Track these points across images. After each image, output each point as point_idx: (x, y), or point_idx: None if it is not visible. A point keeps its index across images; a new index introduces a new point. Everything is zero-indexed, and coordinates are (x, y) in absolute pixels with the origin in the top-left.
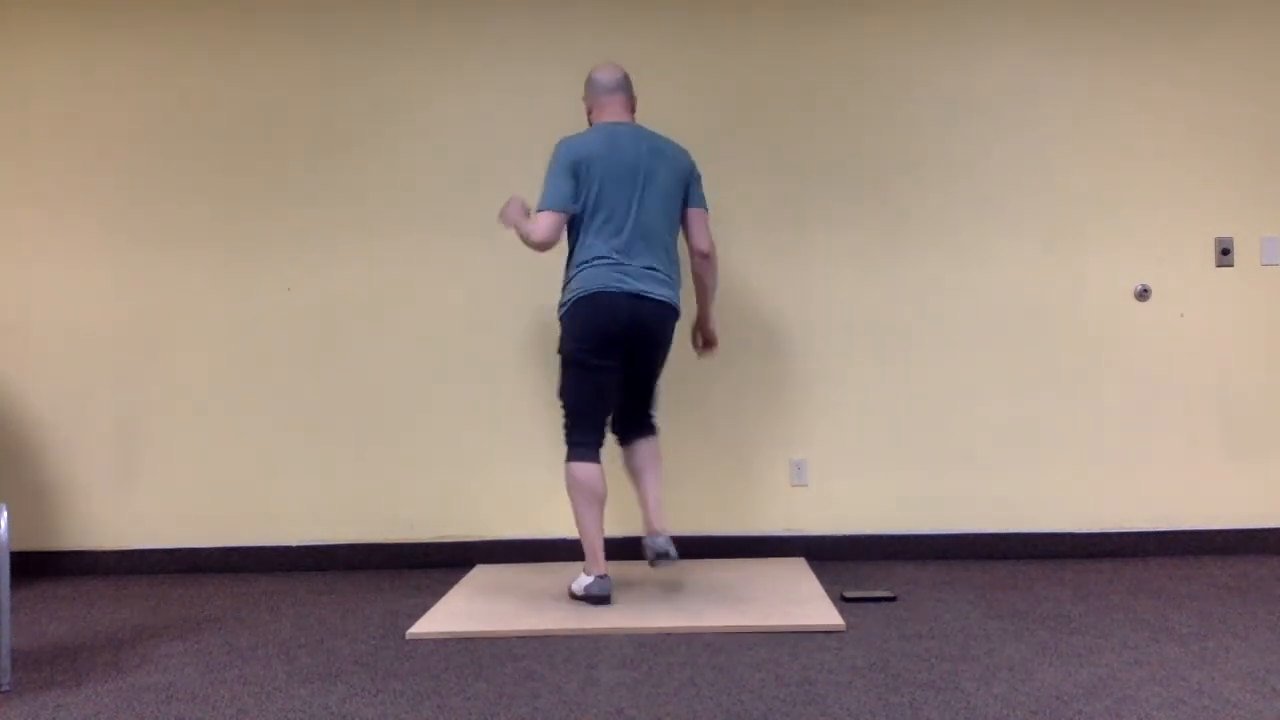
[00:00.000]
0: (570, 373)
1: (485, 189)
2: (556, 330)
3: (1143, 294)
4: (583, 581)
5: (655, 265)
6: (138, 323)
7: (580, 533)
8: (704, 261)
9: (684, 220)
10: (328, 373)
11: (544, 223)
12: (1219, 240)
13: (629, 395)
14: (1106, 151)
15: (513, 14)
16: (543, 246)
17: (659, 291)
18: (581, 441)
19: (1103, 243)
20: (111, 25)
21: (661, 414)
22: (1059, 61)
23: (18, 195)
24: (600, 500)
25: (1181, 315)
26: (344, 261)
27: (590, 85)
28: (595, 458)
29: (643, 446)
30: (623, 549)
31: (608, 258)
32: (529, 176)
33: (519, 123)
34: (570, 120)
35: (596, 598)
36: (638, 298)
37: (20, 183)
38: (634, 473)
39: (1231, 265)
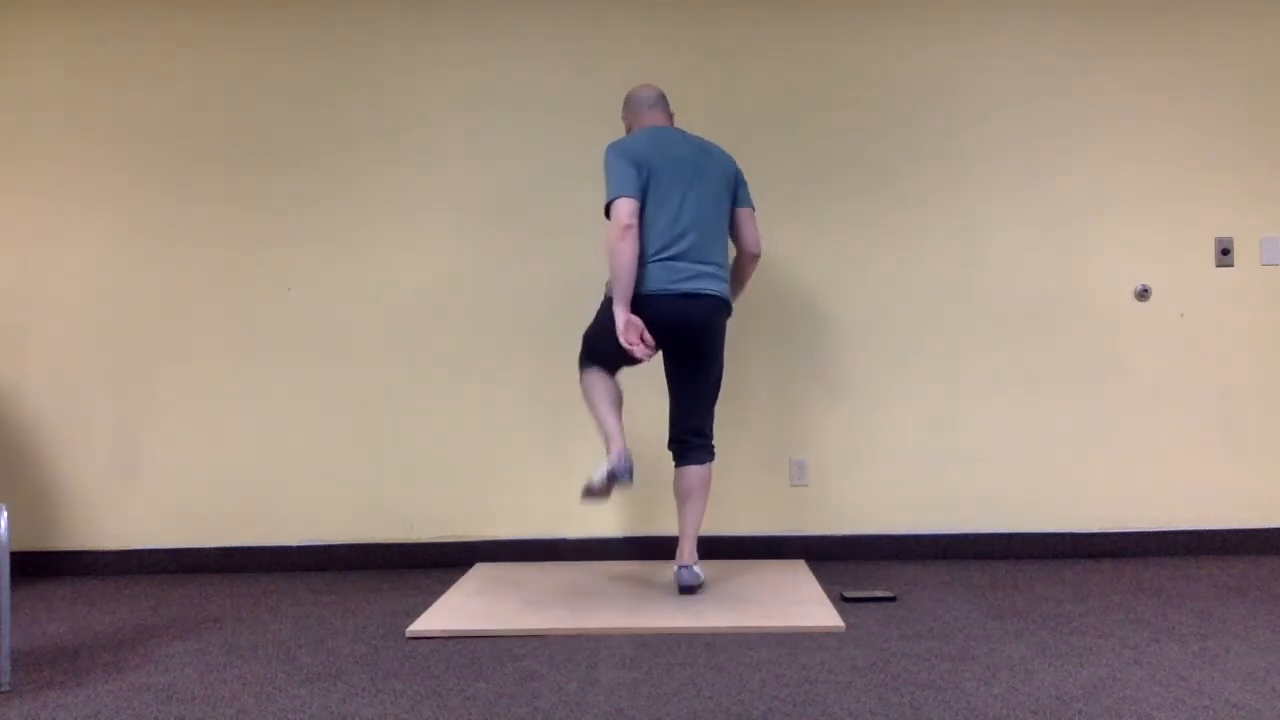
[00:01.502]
0: (597, 340)
1: (487, 188)
2: (558, 329)
3: (1143, 294)
4: (602, 468)
5: (709, 260)
6: (138, 322)
7: (596, 420)
8: (753, 262)
9: (733, 220)
10: (328, 372)
11: (621, 209)
12: (1219, 240)
13: (681, 398)
14: (1106, 151)
15: (516, 15)
16: (625, 232)
17: (711, 287)
18: (593, 364)
19: (1103, 243)
20: (112, 23)
21: (662, 414)
22: (1060, 62)
23: (17, 194)
24: (613, 398)
25: (1181, 315)
26: (344, 261)
27: (629, 102)
28: (605, 370)
29: (691, 474)
30: (626, 548)
31: (661, 255)
32: (530, 176)
33: (522, 123)
34: (571, 121)
35: (615, 473)
36: (689, 297)
37: (20, 181)
38: (678, 498)
39: (1231, 265)
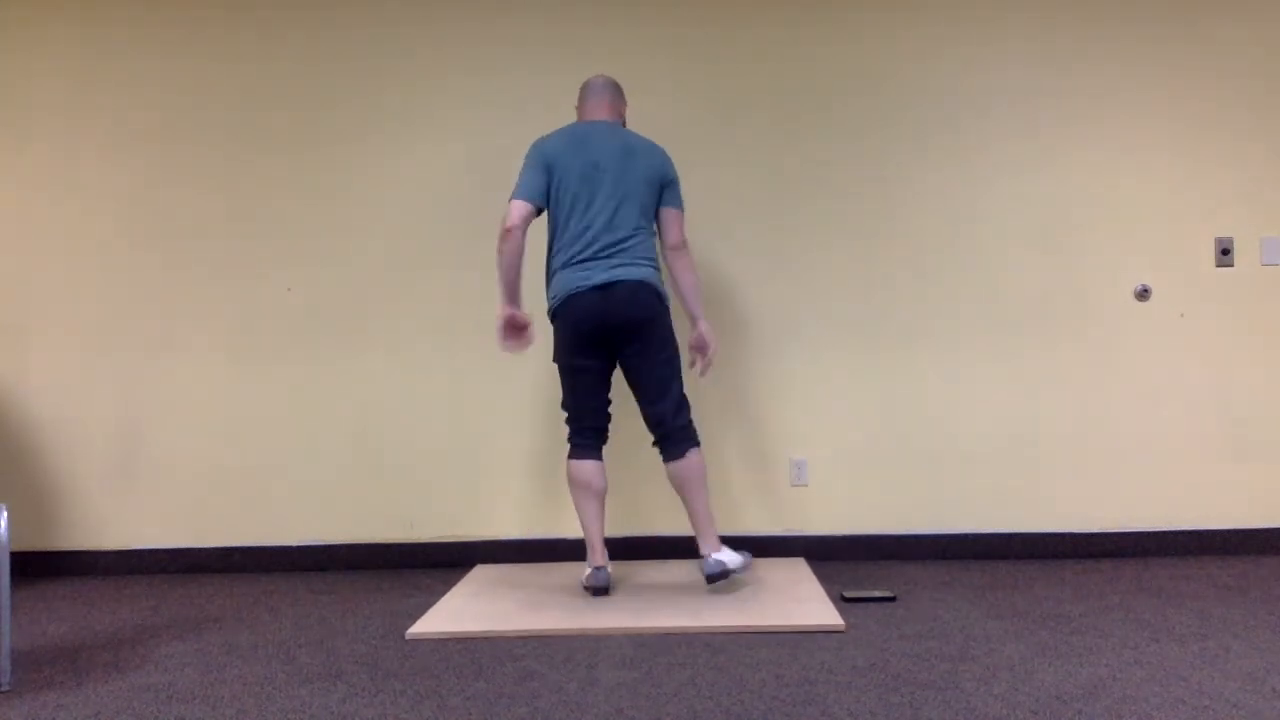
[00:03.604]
0: (561, 376)
1: (486, 188)
2: None
3: (1143, 294)
4: (585, 572)
5: (623, 254)
6: (138, 323)
7: (581, 526)
8: (676, 255)
9: (662, 220)
10: (327, 372)
11: (510, 211)
12: (1219, 240)
13: (641, 393)
14: (1106, 151)
15: (514, 18)
16: (509, 233)
17: (625, 273)
18: (577, 442)
19: (1103, 243)
20: (112, 24)
21: None
22: (1060, 62)
23: (17, 194)
24: (595, 494)
25: (1181, 315)
26: (344, 261)
27: (581, 91)
28: (591, 454)
29: (678, 468)
30: (623, 548)
31: (574, 259)
32: None
33: (520, 123)
34: (570, 120)
35: (593, 589)
36: (604, 287)
37: (19, 182)
38: (677, 492)
39: (1231, 265)
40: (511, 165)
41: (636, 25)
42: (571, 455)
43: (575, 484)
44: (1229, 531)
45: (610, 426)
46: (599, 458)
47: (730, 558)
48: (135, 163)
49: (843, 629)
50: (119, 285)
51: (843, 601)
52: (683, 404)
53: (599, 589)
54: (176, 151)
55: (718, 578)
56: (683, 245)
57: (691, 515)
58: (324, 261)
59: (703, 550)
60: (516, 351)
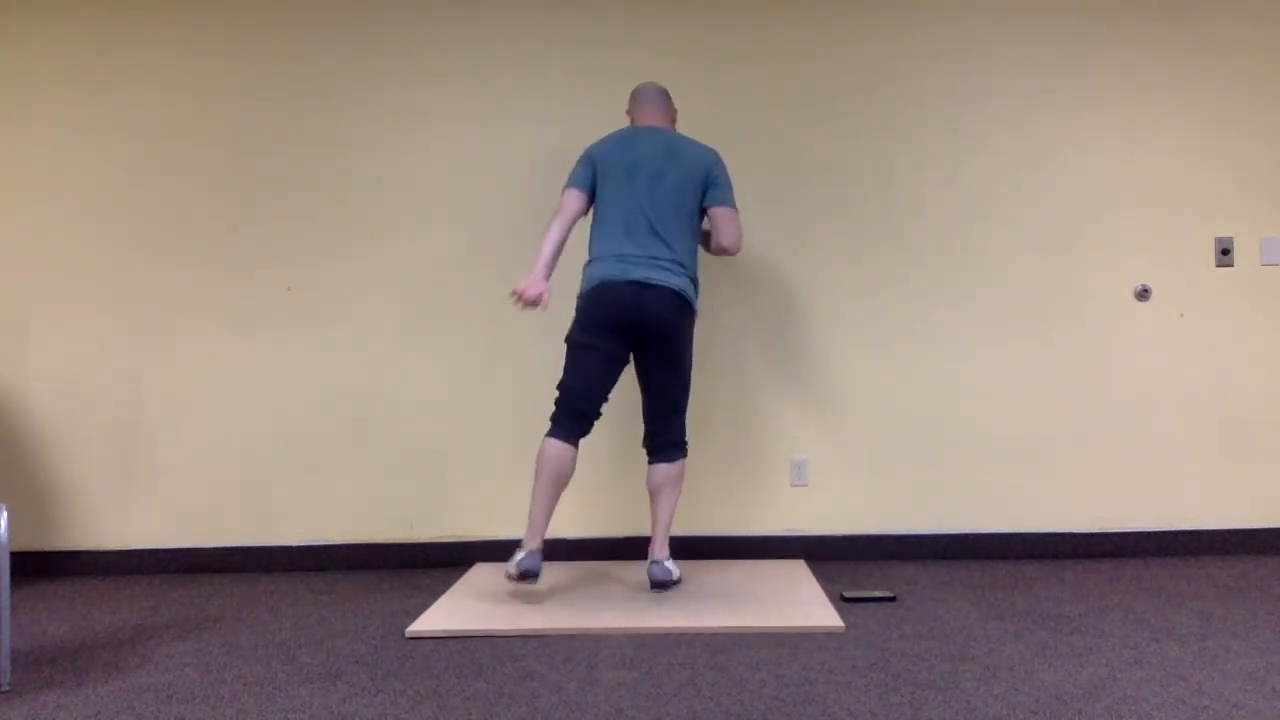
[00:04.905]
0: (568, 355)
1: (486, 189)
2: (560, 328)
3: (1143, 294)
4: (518, 557)
5: (660, 256)
6: (138, 323)
7: (530, 505)
8: (727, 254)
9: (712, 220)
10: (327, 372)
11: (561, 197)
12: (1219, 240)
13: (649, 399)
14: (1106, 151)
15: (517, 19)
16: (557, 213)
17: (662, 278)
18: (560, 421)
19: (1103, 243)
20: (112, 24)
21: None
22: (1059, 62)
23: (17, 195)
24: (561, 480)
25: (1181, 315)
26: (344, 261)
27: (631, 97)
28: (566, 438)
29: (658, 470)
30: (622, 548)
31: (613, 253)
32: (530, 177)
33: (520, 125)
34: (570, 125)
35: (524, 573)
36: (640, 284)
37: (19, 183)
38: (649, 494)
39: (1231, 265)
40: (516, 165)
41: (638, 26)
42: (549, 434)
43: (544, 463)
44: (1229, 531)
45: (597, 424)
46: (576, 444)
47: (675, 569)
48: (135, 161)
49: (843, 629)
50: (119, 284)
51: (843, 601)
52: (683, 417)
53: (530, 573)
54: (177, 151)
55: (667, 585)
56: (736, 248)
57: (657, 519)
58: (324, 261)
59: (657, 555)
60: (521, 308)
